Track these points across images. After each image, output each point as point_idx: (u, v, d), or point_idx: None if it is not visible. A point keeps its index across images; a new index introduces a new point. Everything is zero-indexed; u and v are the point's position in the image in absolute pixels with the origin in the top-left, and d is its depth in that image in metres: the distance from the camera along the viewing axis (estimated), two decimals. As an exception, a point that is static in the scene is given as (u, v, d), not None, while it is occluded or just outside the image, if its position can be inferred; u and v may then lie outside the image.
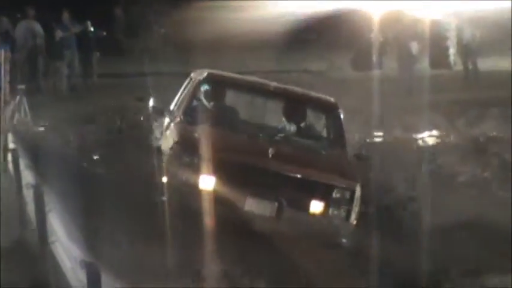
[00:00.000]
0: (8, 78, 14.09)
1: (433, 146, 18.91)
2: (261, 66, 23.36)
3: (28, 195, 9.80)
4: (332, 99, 13.52)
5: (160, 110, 13.02)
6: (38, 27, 24.98)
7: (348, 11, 27.29)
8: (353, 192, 11.26)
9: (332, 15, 27.15)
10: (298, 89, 14.03)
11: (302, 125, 12.88)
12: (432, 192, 14.29)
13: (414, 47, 26.42)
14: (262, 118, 13.65)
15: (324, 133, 13.12)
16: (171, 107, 13.17)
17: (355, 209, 11.27)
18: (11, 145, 12.57)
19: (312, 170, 11.48)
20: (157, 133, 13.56)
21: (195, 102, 12.94)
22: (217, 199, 10.85)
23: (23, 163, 11.12)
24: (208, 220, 10.53)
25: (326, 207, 11.16)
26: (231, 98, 13.44)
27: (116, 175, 13.85)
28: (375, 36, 27.43)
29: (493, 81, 25.33)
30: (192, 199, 10.85)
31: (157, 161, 12.23)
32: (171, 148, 11.59)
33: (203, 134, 11.71)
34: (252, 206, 11.05)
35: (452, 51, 29.18)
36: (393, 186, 14.05)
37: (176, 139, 11.67)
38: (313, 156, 12.10)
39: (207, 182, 11.04)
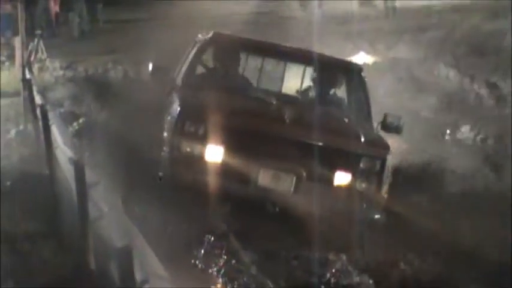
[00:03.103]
0: (24, 25, 14.03)
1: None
2: (235, 8, 23.31)
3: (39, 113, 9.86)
4: (355, 62, 10.34)
5: (163, 69, 9.48)
6: (52, -15, 24.99)
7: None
8: (384, 161, 8.16)
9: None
10: (314, 51, 10.27)
11: (325, 90, 9.54)
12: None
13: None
14: (276, 85, 10.12)
15: (345, 98, 9.68)
16: (175, 72, 9.77)
17: (386, 181, 8.23)
18: (28, 76, 12.57)
19: (336, 136, 8.25)
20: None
21: (200, 66, 9.71)
22: (227, 172, 7.94)
23: (36, 89, 11.14)
24: (217, 197, 7.83)
25: (353, 179, 8.10)
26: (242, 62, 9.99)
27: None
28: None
29: (406, 15, 25.43)
30: (197, 173, 7.95)
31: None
32: (173, 115, 8.37)
33: (209, 98, 8.55)
34: (266, 179, 8.01)
35: (376, -8, 29.14)
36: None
37: (178, 105, 8.39)
38: (336, 122, 8.84)
39: (214, 153, 8.01)
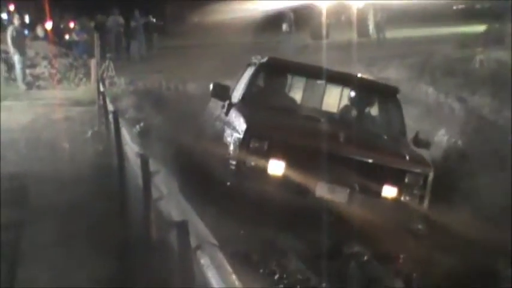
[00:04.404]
0: (98, 50, 14.15)
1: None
2: (249, 39, 23.27)
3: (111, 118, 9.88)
4: (392, 85, 9.35)
5: (224, 87, 8.71)
6: (120, 20, 25.35)
7: (306, 5, 27.22)
8: (426, 177, 7.48)
9: (295, 8, 26.94)
10: (357, 75, 9.54)
11: (365, 110, 8.71)
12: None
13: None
14: (318, 104, 9.13)
15: (383, 118, 8.77)
16: (233, 92, 8.91)
17: (428, 195, 7.51)
18: (102, 89, 12.65)
19: (384, 154, 7.63)
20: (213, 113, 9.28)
21: (255, 87, 8.86)
22: (287, 184, 7.26)
23: (108, 99, 11.19)
24: (278, 206, 7.00)
25: (399, 193, 7.43)
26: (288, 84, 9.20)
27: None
28: (324, 18, 27.34)
29: (395, 44, 25.35)
30: (261, 184, 7.29)
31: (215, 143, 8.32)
32: (238, 132, 7.67)
33: (270, 118, 7.94)
34: (323, 191, 7.33)
35: (371, 26, 28.99)
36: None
37: (244, 122, 7.67)
38: (382, 141, 8.15)
39: (276, 167, 7.36)
